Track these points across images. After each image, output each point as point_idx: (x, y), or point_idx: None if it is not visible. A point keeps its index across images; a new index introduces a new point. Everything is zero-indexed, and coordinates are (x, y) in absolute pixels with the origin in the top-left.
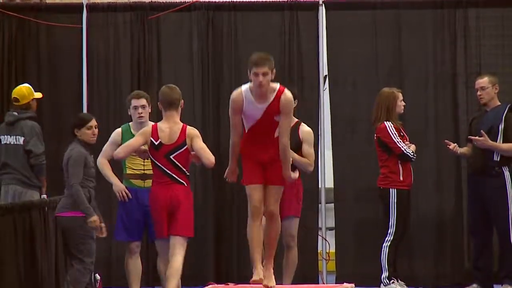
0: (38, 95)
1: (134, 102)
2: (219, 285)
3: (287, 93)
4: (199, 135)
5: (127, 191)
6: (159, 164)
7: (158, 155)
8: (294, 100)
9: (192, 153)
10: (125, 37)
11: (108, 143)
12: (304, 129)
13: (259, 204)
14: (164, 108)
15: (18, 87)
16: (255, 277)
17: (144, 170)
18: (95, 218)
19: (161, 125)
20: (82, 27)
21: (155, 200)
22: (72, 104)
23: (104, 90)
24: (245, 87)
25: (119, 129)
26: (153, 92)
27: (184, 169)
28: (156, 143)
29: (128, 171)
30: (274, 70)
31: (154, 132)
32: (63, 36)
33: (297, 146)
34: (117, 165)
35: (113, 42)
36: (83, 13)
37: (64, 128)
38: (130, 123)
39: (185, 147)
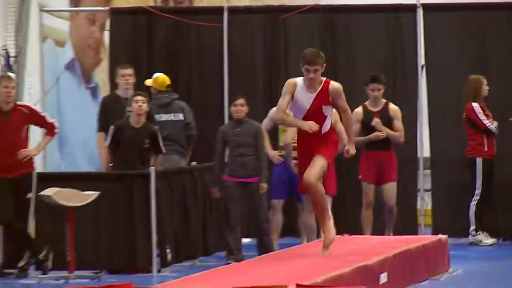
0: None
1: None
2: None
3: (334, 83)
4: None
5: (278, 155)
6: None
7: None
8: (383, 84)
9: None
10: (259, 35)
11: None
12: (392, 107)
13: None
14: None
15: (163, 75)
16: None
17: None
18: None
19: None
20: (223, 26)
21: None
22: (216, 90)
23: (241, 79)
24: (299, 78)
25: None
26: (281, 84)
27: None
28: None
29: (281, 144)
30: (325, 65)
31: None
32: (208, 34)
33: (389, 122)
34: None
35: (249, 39)
36: (224, 14)
37: (209, 109)
38: None
39: None
